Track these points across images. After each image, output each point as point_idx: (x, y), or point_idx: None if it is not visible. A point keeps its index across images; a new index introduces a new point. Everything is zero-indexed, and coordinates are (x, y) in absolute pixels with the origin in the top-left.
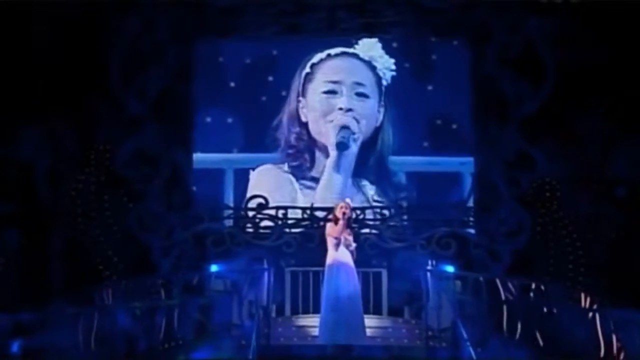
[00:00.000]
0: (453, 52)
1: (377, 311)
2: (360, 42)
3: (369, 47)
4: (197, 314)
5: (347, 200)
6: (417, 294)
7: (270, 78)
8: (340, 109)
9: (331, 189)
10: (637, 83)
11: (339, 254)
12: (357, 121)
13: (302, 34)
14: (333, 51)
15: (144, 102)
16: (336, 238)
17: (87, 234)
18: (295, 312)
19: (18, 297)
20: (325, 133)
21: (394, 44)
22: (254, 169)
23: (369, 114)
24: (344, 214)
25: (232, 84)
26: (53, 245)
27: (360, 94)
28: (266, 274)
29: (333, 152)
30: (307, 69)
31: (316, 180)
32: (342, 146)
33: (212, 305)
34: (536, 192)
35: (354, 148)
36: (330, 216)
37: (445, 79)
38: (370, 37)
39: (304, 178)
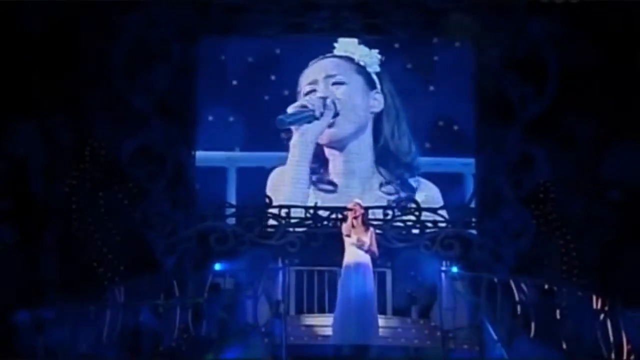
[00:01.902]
0: (456, 53)
1: (382, 311)
2: (336, 44)
3: (346, 45)
4: (221, 313)
5: (357, 200)
6: (426, 294)
7: (273, 77)
8: None
9: (292, 171)
10: (631, 85)
11: (350, 253)
12: (324, 99)
13: (306, 34)
14: (314, 60)
15: (147, 100)
16: (347, 237)
17: (81, 230)
18: (300, 311)
19: (12, 293)
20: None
21: (396, 45)
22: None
23: (349, 96)
24: (350, 210)
25: (235, 82)
26: (47, 241)
27: (335, 83)
28: (281, 273)
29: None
30: (299, 88)
31: (332, 183)
32: (278, 122)
33: (234, 304)
34: (530, 194)
35: (313, 126)
36: (345, 213)
37: (448, 80)
38: (373, 37)
39: (321, 182)
